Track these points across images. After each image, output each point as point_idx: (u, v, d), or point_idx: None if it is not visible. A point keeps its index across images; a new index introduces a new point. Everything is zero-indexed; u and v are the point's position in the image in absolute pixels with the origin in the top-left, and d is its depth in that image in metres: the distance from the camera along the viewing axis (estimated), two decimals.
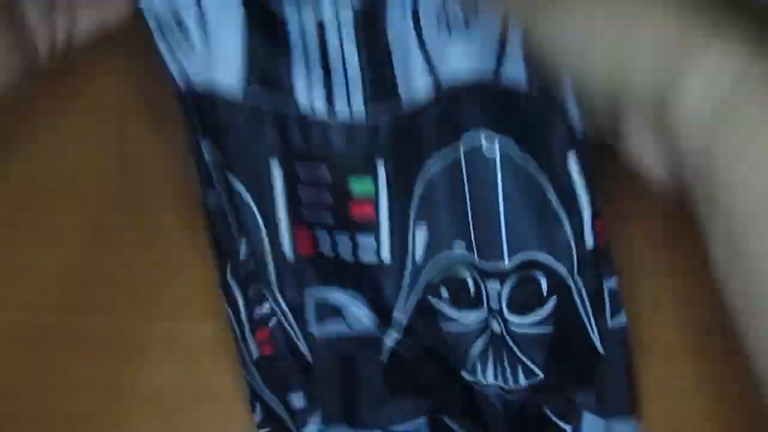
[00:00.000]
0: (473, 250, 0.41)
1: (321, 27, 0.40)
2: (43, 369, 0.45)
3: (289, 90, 0.40)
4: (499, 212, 0.40)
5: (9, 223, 0.51)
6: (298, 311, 0.43)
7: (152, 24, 0.42)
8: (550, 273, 0.40)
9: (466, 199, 0.41)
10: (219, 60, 0.41)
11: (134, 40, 0.60)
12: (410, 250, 0.42)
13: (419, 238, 0.42)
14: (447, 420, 0.41)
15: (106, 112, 0.56)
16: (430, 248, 0.42)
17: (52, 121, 0.56)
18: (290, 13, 0.40)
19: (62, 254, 0.49)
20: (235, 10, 0.40)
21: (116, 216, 0.51)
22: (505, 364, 0.42)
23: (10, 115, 0.56)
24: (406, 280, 0.43)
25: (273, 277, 0.43)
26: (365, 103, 0.40)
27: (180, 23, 0.41)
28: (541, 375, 0.41)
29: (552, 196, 0.39)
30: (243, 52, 0.40)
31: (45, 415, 0.44)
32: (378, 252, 0.42)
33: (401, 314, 0.43)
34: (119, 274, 0.48)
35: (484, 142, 0.39)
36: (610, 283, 0.41)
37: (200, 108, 0.42)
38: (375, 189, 0.41)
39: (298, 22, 0.40)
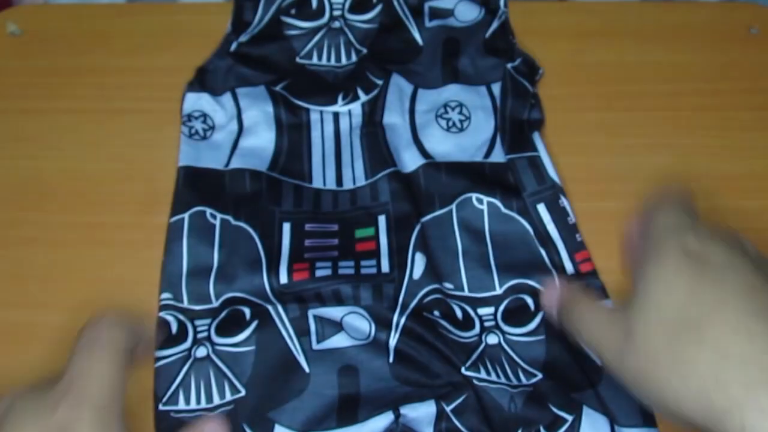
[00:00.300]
0: (463, 289, 0.47)
1: (336, 116, 0.55)
2: (44, 369, 0.45)
3: (308, 177, 0.52)
4: (488, 252, 0.48)
5: (9, 223, 0.51)
6: (300, 328, 0.45)
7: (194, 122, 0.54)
8: (535, 293, 0.46)
9: (457, 241, 0.49)
10: (252, 149, 0.53)
11: (133, 41, 0.60)
12: (409, 267, 0.47)
13: (418, 259, 0.47)
14: (452, 415, 0.42)
15: (107, 111, 0.57)
16: (427, 274, 0.46)
17: (53, 121, 0.56)
18: (313, 107, 0.55)
19: (62, 254, 0.49)
20: (267, 109, 0.54)
21: (116, 216, 0.51)
22: (506, 367, 0.44)
23: (11, 114, 0.56)
24: (404, 288, 0.46)
25: (273, 298, 0.46)
26: (366, 174, 0.52)
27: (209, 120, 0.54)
28: (540, 375, 0.43)
29: (532, 236, 0.49)
30: (273, 146, 0.53)
31: None
32: (378, 267, 0.47)
33: (401, 318, 0.45)
34: (119, 274, 0.48)
35: (474, 202, 0.50)
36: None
37: (209, 180, 0.51)
38: (376, 233, 0.49)
39: (320, 113, 0.55)
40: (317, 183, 0.52)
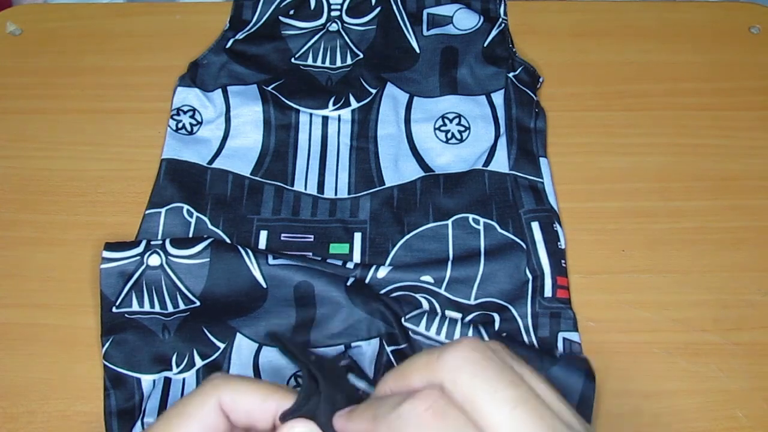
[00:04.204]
0: (441, 286, 0.47)
1: (325, 120, 0.55)
2: (44, 369, 0.45)
3: (290, 179, 0.52)
4: (478, 268, 0.47)
5: (9, 223, 0.51)
6: (255, 250, 0.47)
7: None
8: (504, 312, 0.46)
9: (449, 251, 0.48)
10: (238, 150, 0.53)
11: (133, 41, 0.60)
12: (373, 270, 0.47)
13: (382, 269, 0.47)
14: (391, 356, 0.43)
15: (107, 111, 0.57)
16: (394, 272, 0.47)
17: (53, 121, 0.56)
18: (303, 109, 0.55)
19: (62, 254, 0.49)
20: (256, 109, 0.54)
21: (116, 216, 0.51)
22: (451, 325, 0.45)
23: (11, 114, 0.56)
24: (367, 281, 0.47)
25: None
26: (349, 189, 0.52)
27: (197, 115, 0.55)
28: None
29: (524, 260, 0.47)
30: (260, 146, 0.53)
31: (45, 415, 0.43)
32: (344, 264, 0.47)
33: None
34: None
35: (471, 222, 0.50)
36: (569, 335, 0.46)
37: (193, 177, 0.52)
38: (350, 251, 0.49)
39: (309, 116, 0.55)
40: (299, 186, 0.52)
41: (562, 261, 0.48)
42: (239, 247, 0.46)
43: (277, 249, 0.49)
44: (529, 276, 0.47)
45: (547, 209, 0.50)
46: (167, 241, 0.46)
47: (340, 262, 0.47)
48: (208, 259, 0.45)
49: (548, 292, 0.47)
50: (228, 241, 0.49)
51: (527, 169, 0.51)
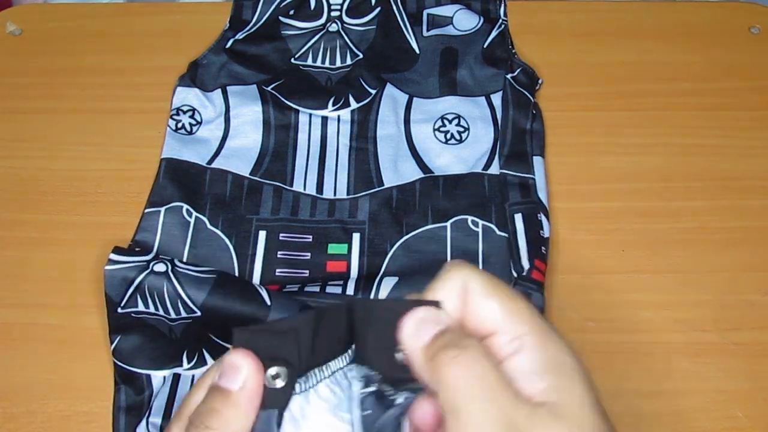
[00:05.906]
0: None
1: (324, 121, 0.55)
2: (44, 369, 0.45)
3: (290, 179, 0.52)
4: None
5: (9, 224, 0.51)
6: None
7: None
8: None
9: (447, 253, 0.49)
10: (237, 150, 0.53)
11: (133, 41, 0.60)
12: (374, 291, 0.46)
13: (386, 282, 0.46)
14: None
15: (107, 111, 0.57)
16: (396, 289, 0.46)
17: (53, 121, 0.56)
18: (303, 110, 0.55)
19: (62, 254, 0.49)
20: (256, 109, 0.55)
21: (116, 216, 0.51)
22: None
23: (11, 114, 0.56)
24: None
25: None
26: (348, 189, 0.52)
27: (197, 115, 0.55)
28: None
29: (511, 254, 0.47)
30: (259, 146, 0.53)
31: (45, 415, 0.43)
32: (344, 289, 0.47)
33: None
34: None
35: (470, 224, 0.50)
36: None
37: (193, 177, 0.52)
38: (349, 251, 0.49)
39: (309, 116, 0.55)
40: (298, 186, 0.52)
41: (543, 247, 0.47)
42: (250, 282, 0.46)
43: (275, 252, 0.49)
44: (512, 266, 0.47)
45: (534, 201, 0.50)
46: (176, 260, 0.45)
47: (339, 290, 0.47)
48: (216, 276, 0.44)
49: (525, 271, 0.47)
50: (227, 241, 0.49)
51: (518, 167, 0.51)
